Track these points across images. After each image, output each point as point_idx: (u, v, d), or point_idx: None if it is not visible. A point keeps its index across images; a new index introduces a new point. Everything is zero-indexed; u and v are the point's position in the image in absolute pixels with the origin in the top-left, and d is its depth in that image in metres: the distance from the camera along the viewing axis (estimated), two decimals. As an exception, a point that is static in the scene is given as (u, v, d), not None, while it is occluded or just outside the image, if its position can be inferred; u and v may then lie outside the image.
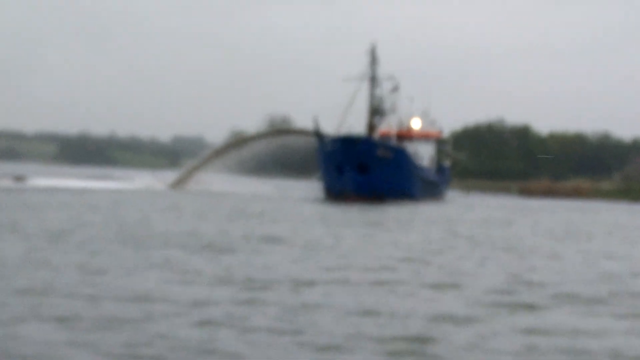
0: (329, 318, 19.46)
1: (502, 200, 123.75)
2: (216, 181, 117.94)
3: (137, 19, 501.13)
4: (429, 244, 40.14)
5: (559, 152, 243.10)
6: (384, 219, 60.04)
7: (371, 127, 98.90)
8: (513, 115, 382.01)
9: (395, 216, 64.43)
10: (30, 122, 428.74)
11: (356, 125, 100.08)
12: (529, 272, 30.29)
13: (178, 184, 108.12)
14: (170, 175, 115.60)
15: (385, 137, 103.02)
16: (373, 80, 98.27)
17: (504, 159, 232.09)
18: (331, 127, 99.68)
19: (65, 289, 21.88)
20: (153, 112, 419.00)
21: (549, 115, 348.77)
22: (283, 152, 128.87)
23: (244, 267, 27.99)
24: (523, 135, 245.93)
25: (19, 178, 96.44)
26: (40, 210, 50.90)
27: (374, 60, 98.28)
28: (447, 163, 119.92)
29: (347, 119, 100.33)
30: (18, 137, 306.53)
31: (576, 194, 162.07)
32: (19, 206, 53.67)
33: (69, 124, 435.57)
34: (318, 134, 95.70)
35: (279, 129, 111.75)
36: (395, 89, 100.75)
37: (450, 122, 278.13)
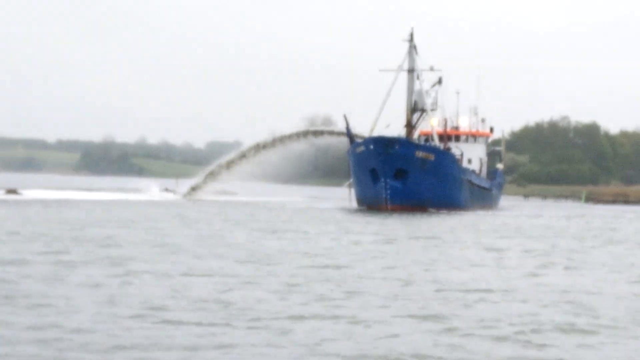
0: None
1: (568, 209, 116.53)
2: (240, 189, 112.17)
3: (164, 19, 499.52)
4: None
5: (630, 153, 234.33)
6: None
7: (410, 125, 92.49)
8: (579, 113, 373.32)
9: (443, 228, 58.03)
10: (53, 130, 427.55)
11: (395, 124, 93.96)
12: None
13: (193, 193, 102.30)
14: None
15: (427, 137, 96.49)
16: (411, 72, 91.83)
17: (569, 161, 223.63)
18: (379, 127, 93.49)
19: None
20: (186, 117, 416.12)
21: (619, 112, 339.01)
22: (316, 155, 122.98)
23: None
24: (590, 134, 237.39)
25: (10, 191, 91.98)
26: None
27: (412, 48, 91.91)
28: (500, 166, 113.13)
29: (384, 117, 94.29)
30: (39, 145, 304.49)
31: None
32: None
33: (94, 131, 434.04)
34: (349, 135, 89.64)
35: (306, 130, 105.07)
36: (438, 82, 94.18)
37: (505, 121, 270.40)
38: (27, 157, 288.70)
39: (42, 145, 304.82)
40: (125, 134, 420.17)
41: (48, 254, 33.98)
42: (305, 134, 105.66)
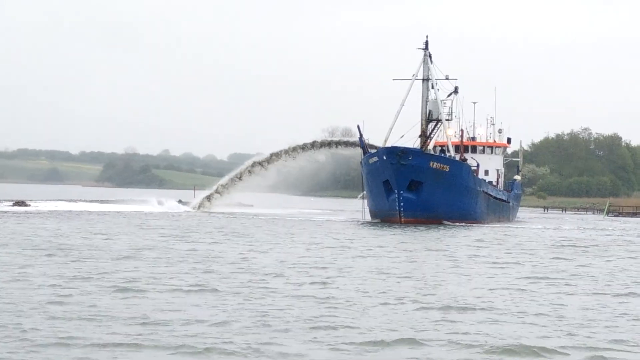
0: None
1: (592, 221, 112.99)
2: (257, 201, 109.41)
3: (187, 32, 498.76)
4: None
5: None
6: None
7: (425, 136, 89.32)
8: (600, 124, 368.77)
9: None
10: (76, 142, 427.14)
11: (410, 134, 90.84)
12: None
13: (204, 205, 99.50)
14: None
15: (443, 148, 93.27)
16: (426, 80, 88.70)
17: (589, 173, 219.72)
18: (394, 138, 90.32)
19: None
20: (210, 130, 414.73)
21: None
22: (335, 166, 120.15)
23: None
24: (611, 146, 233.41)
25: (18, 202, 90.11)
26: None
27: (426, 57, 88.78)
28: (517, 178, 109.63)
29: (398, 127, 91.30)
30: (63, 157, 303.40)
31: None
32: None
33: (117, 143, 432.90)
34: (362, 145, 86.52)
35: (315, 142, 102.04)
36: (454, 91, 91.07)
37: (524, 132, 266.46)
38: (50, 168, 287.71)
39: (65, 156, 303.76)
40: (149, 147, 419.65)
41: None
42: (316, 145, 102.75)
